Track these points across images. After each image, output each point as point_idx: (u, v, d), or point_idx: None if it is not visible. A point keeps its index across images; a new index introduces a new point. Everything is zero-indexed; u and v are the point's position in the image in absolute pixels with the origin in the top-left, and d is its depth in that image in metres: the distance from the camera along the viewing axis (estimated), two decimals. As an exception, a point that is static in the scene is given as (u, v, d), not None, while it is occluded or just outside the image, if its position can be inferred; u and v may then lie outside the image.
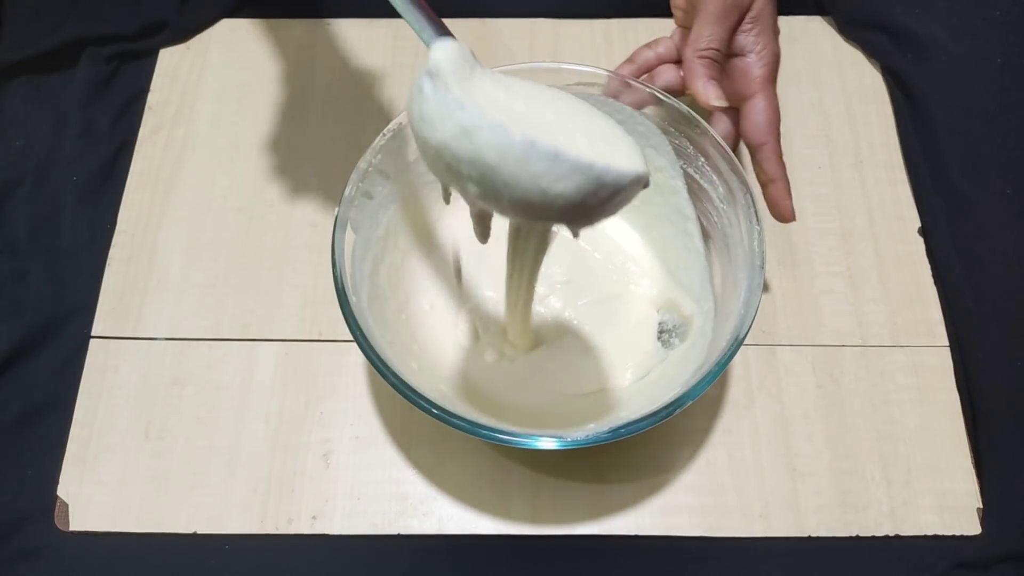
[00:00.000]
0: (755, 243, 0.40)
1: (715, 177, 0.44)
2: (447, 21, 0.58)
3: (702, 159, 0.44)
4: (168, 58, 0.59)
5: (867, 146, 0.55)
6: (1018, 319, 0.49)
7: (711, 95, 0.44)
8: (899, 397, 0.47)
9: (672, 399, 0.37)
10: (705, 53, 0.45)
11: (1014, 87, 0.54)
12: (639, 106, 0.45)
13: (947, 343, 0.49)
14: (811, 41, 0.59)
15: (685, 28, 0.48)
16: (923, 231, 0.52)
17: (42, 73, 0.57)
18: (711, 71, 0.45)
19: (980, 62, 0.54)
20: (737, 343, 0.38)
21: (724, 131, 0.46)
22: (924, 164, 0.54)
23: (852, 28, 0.59)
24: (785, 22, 0.59)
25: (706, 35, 0.45)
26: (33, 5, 0.59)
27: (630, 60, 0.50)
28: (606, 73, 0.46)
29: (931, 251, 0.51)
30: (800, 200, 0.53)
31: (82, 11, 0.58)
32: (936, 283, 0.51)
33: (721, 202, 0.44)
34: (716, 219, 0.45)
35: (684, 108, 0.44)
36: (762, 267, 0.39)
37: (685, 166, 0.46)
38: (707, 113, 0.45)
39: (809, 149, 0.55)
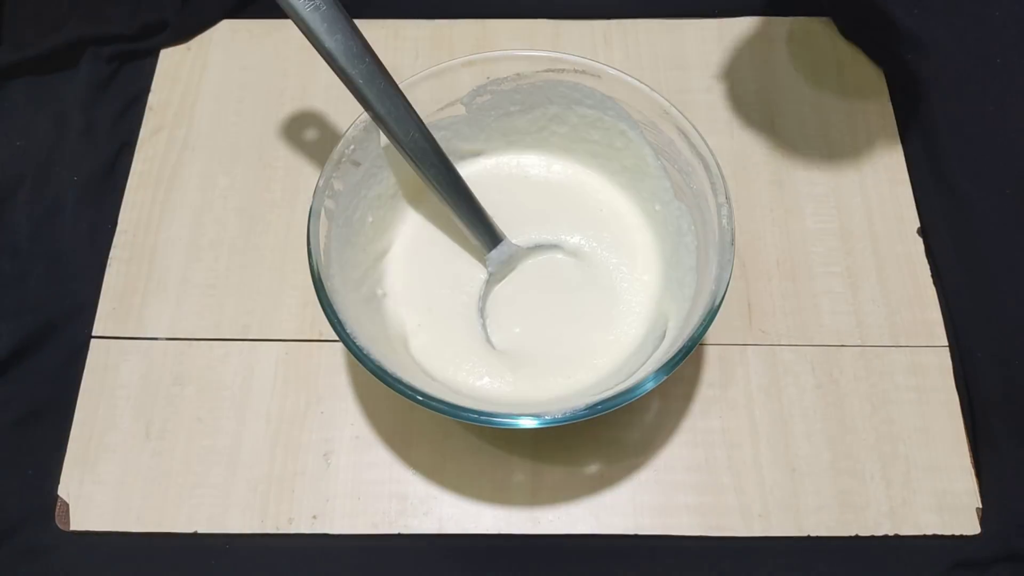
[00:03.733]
0: (724, 220, 0.40)
1: (684, 158, 0.43)
2: (447, 23, 0.60)
3: (669, 138, 0.44)
4: (169, 58, 0.59)
5: (866, 146, 0.55)
6: (1018, 319, 0.49)
7: None
8: (898, 397, 0.47)
9: (646, 375, 0.37)
10: None
11: (1014, 87, 0.54)
12: None
13: (946, 343, 0.49)
14: (811, 41, 0.59)
15: None
16: (923, 231, 0.52)
17: (43, 73, 0.57)
18: None
19: (980, 62, 0.55)
20: (711, 313, 0.38)
21: None
22: (924, 164, 0.54)
23: (852, 28, 0.59)
24: (785, 22, 0.60)
25: None
26: (34, 5, 0.59)
27: None
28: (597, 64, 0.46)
29: (931, 251, 0.51)
30: (799, 200, 0.53)
31: (83, 11, 0.58)
32: (935, 283, 0.51)
33: (691, 182, 0.44)
34: (687, 199, 0.45)
35: (647, 91, 0.44)
36: (732, 244, 0.40)
37: (654, 146, 0.46)
38: None
39: (809, 149, 0.55)
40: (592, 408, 0.36)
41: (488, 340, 0.46)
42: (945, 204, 0.52)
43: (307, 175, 0.54)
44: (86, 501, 0.45)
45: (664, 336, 0.43)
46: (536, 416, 0.37)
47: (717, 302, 0.38)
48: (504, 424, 0.37)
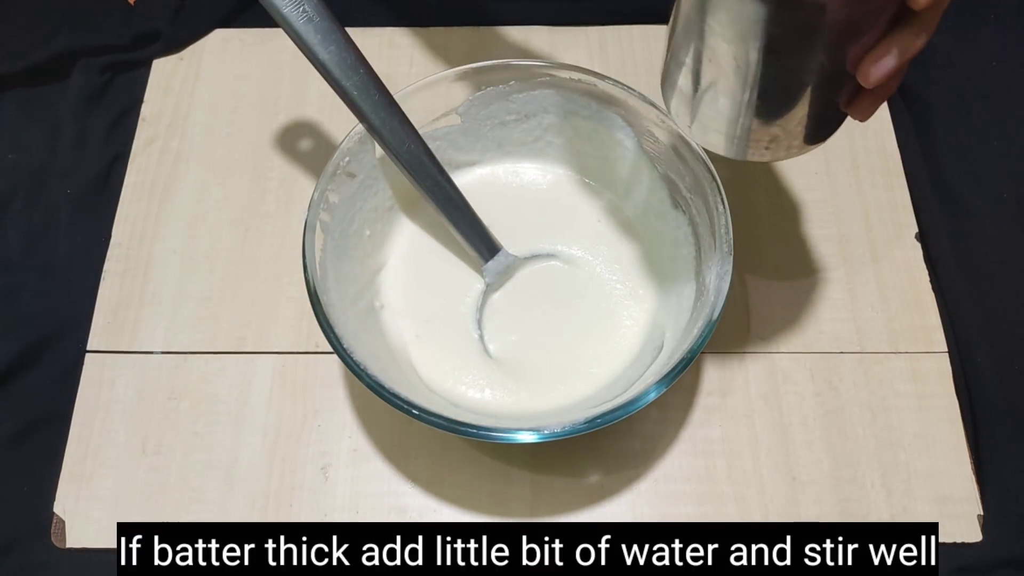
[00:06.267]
0: (721, 229, 0.40)
1: (681, 167, 0.43)
2: (442, 31, 0.59)
3: (666, 147, 0.44)
4: (162, 69, 0.58)
5: (863, 151, 0.55)
6: (1017, 324, 0.49)
7: None
8: (898, 404, 0.47)
9: (646, 387, 0.37)
10: None
11: (1011, 91, 0.54)
12: None
13: (946, 349, 0.49)
14: (806, 46, 0.59)
15: None
16: (921, 236, 0.52)
17: (35, 85, 0.57)
18: None
19: (977, 66, 0.55)
20: (710, 325, 0.38)
21: None
22: (921, 168, 0.54)
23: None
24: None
25: None
26: (26, 16, 0.58)
27: None
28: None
29: (929, 256, 0.51)
30: (797, 206, 0.53)
31: (75, 22, 0.58)
32: (934, 288, 0.50)
33: (688, 191, 0.43)
34: (684, 209, 0.45)
35: (642, 99, 0.44)
36: (729, 253, 0.40)
37: (650, 155, 0.46)
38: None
39: (805, 155, 0.55)
40: (591, 422, 0.36)
41: (485, 350, 0.46)
42: (943, 209, 0.52)
43: (302, 186, 0.54)
44: (82, 518, 0.45)
45: (662, 346, 0.43)
46: (535, 430, 0.36)
47: (716, 314, 0.38)
48: (503, 439, 0.36)
